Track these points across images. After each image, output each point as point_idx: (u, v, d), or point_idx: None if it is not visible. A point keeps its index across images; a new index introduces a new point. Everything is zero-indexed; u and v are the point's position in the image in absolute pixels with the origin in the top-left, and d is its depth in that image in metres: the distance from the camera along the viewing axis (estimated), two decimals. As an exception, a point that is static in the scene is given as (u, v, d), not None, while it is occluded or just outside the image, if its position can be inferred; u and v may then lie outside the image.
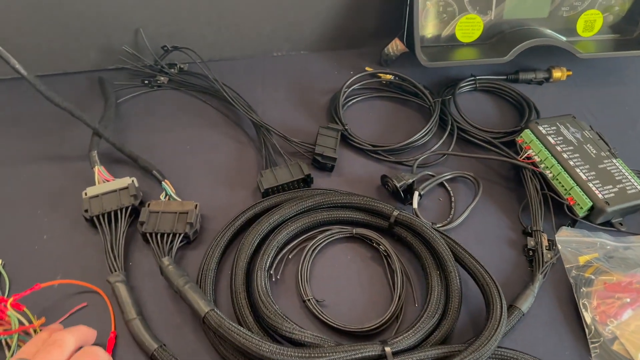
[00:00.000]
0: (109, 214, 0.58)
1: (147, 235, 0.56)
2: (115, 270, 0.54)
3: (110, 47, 0.75)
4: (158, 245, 0.56)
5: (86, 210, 0.57)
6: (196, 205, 0.59)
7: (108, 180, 0.61)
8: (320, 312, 0.53)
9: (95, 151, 0.63)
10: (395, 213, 0.59)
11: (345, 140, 0.71)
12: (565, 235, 0.61)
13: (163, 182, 0.62)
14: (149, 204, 0.59)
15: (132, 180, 0.60)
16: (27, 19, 0.70)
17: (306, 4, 0.79)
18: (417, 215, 0.61)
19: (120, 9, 0.72)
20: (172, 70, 0.77)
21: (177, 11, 0.74)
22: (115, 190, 0.59)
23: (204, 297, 0.51)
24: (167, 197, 0.61)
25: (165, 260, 0.54)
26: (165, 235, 0.56)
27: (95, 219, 0.57)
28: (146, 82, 0.76)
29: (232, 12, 0.77)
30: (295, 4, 0.78)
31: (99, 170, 0.61)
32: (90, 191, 0.59)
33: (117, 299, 0.52)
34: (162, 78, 0.76)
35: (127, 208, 0.58)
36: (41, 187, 0.63)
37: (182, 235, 0.57)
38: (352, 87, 0.77)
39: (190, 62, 0.77)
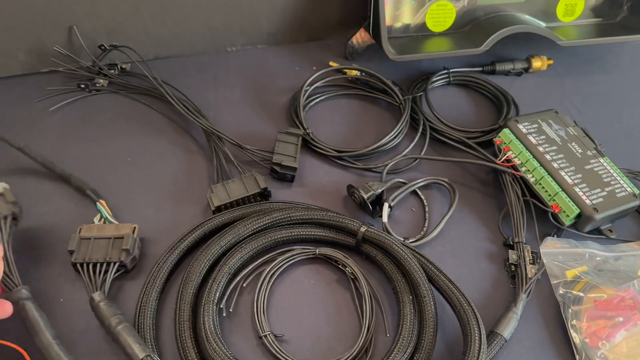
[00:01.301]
0: None
1: (78, 265, 0.49)
2: (16, 286, 0.46)
3: (41, 48, 0.67)
4: (90, 277, 0.49)
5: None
6: (134, 227, 0.52)
7: None
8: (278, 349, 0.47)
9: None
10: (363, 229, 0.52)
11: (307, 145, 0.64)
12: (550, 247, 0.56)
13: (97, 203, 0.55)
14: (80, 229, 0.52)
15: (3, 188, 0.51)
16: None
17: (261, -9, 0.71)
18: (388, 230, 0.55)
19: (51, 4, 0.64)
20: (112, 71, 0.69)
21: (115, 5, 0.66)
22: None
23: (139, 341, 0.44)
24: (103, 219, 0.54)
25: (96, 296, 0.47)
26: (98, 264, 0.49)
27: None
28: (82, 85, 0.68)
29: (178, 4, 0.69)
30: (250, -8, 0.71)
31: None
32: None
33: (27, 321, 0.44)
34: (101, 81, 0.68)
35: (5, 217, 0.49)
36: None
37: (117, 264, 0.50)
38: (315, 85, 0.70)
39: (132, 61, 0.69)
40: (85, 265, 0.49)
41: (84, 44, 0.67)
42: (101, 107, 0.67)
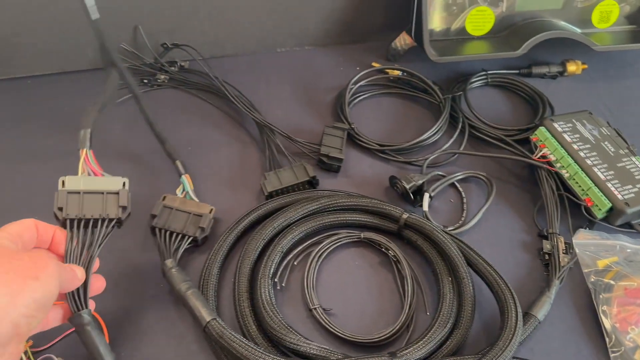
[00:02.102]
0: (87, 221, 0.45)
1: (156, 230, 0.54)
2: (81, 308, 0.42)
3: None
4: (165, 243, 0.53)
5: (60, 209, 0.44)
6: (212, 209, 0.57)
7: (96, 174, 0.48)
8: (327, 321, 0.51)
9: (89, 130, 0.49)
10: (405, 216, 0.56)
11: (352, 139, 0.68)
12: (582, 238, 0.59)
13: (183, 176, 0.60)
14: (164, 197, 0.56)
15: (124, 184, 0.48)
16: (22, 18, 0.67)
17: (310, -3, 0.76)
18: (428, 218, 0.59)
19: (118, 5, 0.70)
20: (173, 68, 0.75)
21: (177, 7, 0.72)
22: (102, 192, 0.46)
23: (207, 305, 0.49)
24: (184, 193, 0.59)
25: (169, 263, 0.51)
26: (175, 234, 0.54)
27: (69, 222, 0.44)
28: (145, 81, 0.73)
29: (233, 7, 0.74)
30: (298, -2, 0.76)
31: (86, 156, 0.47)
32: (70, 182, 0.46)
33: (87, 345, 0.43)
34: (162, 76, 0.74)
35: (110, 220, 0.46)
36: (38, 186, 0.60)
37: (190, 238, 0.54)
38: (359, 84, 0.74)
39: (191, 59, 0.75)
40: (163, 231, 0.54)
41: (148, 42, 0.73)
42: (162, 101, 0.72)
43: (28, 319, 0.34)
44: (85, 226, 0.44)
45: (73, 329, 0.43)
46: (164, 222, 0.55)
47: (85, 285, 0.42)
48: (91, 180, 0.47)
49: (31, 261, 0.36)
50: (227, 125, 0.70)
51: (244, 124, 0.70)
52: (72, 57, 0.74)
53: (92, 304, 0.43)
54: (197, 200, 0.58)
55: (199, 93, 0.73)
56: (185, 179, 0.60)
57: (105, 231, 0.45)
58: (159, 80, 0.74)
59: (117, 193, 0.46)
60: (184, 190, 0.59)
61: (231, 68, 0.77)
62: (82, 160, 0.47)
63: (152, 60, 0.74)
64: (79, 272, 0.42)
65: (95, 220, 0.45)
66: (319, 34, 0.81)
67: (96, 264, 0.45)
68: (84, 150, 0.48)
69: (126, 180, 0.48)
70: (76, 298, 0.42)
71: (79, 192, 0.45)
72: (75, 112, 0.56)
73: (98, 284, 0.45)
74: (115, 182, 0.47)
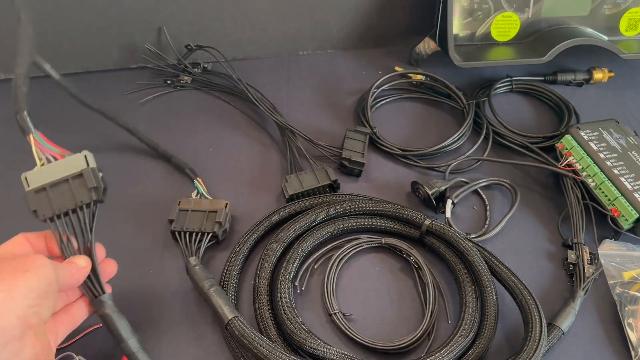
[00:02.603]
0: (65, 213, 0.42)
1: (176, 233, 0.55)
2: (98, 294, 0.43)
3: (132, 46, 0.74)
4: (186, 244, 0.54)
5: (35, 211, 0.42)
6: (226, 204, 0.57)
7: (56, 157, 0.43)
8: (347, 327, 0.51)
9: (25, 111, 0.42)
10: (427, 222, 0.56)
11: (374, 143, 0.68)
12: (608, 249, 0.58)
13: (195, 180, 0.61)
14: (179, 202, 0.57)
15: (86, 159, 0.43)
16: (48, 17, 0.68)
17: (333, 1, 0.76)
18: (450, 225, 0.58)
19: (144, 6, 0.70)
20: (196, 69, 0.75)
21: (201, 9, 0.72)
22: (67, 180, 0.42)
23: (229, 303, 0.49)
24: (199, 195, 0.59)
25: (192, 260, 0.52)
26: (194, 234, 0.55)
27: (49, 220, 0.42)
28: (169, 82, 0.74)
29: (257, 10, 0.74)
30: (322, 1, 0.76)
31: (36, 141, 0.42)
32: (33, 178, 0.42)
33: (111, 330, 0.43)
34: (185, 78, 0.74)
35: (87, 205, 0.43)
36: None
37: (210, 234, 0.55)
38: (381, 88, 0.74)
39: (214, 61, 0.75)
40: (182, 233, 0.55)
41: (172, 43, 0.73)
42: (185, 102, 0.72)
43: (33, 308, 0.35)
44: (67, 218, 0.42)
45: (92, 327, 0.43)
46: (181, 224, 0.55)
47: (95, 271, 0.43)
48: (52, 169, 0.42)
49: (18, 260, 0.37)
50: (248, 127, 0.70)
51: (266, 127, 0.70)
52: (96, 57, 0.74)
53: (108, 288, 0.44)
54: (210, 198, 0.59)
55: (221, 95, 0.74)
56: (198, 183, 0.60)
57: (88, 216, 0.42)
58: (182, 82, 0.74)
59: (82, 174, 0.42)
60: (198, 193, 0.60)
61: (253, 70, 0.77)
62: (33, 147, 0.42)
63: (176, 62, 0.75)
64: (82, 261, 0.42)
65: (74, 210, 0.42)
66: (341, 38, 0.81)
67: (101, 249, 0.44)
68: (31, 135, 0.42)
69: (87, 153, 0.43)
70: (90, 286, 0.43)
71: (44, 189, 0.42)
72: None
73: (109, 269, 0.45)
74: (76, 162, 0.43)
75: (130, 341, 0.43)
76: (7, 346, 0.33)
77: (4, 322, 0.33)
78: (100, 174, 0.43)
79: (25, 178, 0.42)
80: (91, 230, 0.43)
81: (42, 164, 0.42)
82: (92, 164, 0.43)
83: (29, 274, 0.36)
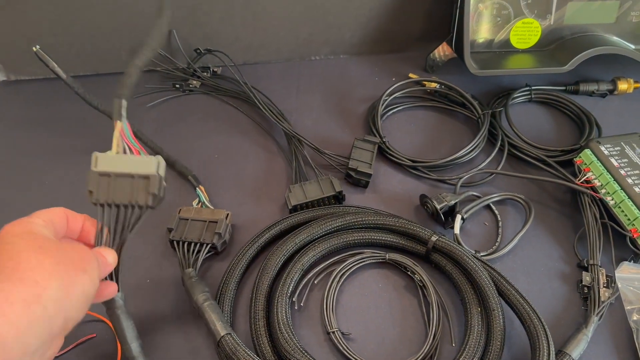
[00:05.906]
0: (117, 205, 0.41)
1: (174, 242, 0.54)
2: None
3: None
4: (184, 254, 0.53)
5: (90, 192, 0.41)
6: (227, 214, 0.56)
7: (133, 150, 0.43)
8: (345, 346, 0.49)
9: (125, 100, 0.43)
10: (434, 238, 0.53)
11: (383, 153, 0.66)
12: (626, 272, 0.55)
13: (197, 188, 0.60)
14: (179, 210, 0.56)
15: (159, 166, 0.42)
16: (58, 20, 0.68)
17: (347, 5, 0.74)
18: (459, 242, 0.56)
19: (153, 9, 0.69)
20: (205, 73, 0.74)
21: (212, 12, 0.71)
22: (132, 176, 0.41)
23: (222, 319, 0.48)
24: (200, 203, 0.58)
25: (189, 272, 0.51)
26: (192, 244, 0.54)
27: (99, 205, 0.41)
28: (177, 86, 0.73)
29: (268, 14, 0.73)
30: (335, 5, 0.74)
31: (122, 129, 0.42)
32: (103, 161, 0.41)
33: (116, 329, 0.44)
34: (194, 82, 0.73)
35: (140, 207, 0.42)
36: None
37: (208, 245, 0.54)
38: (394, 95, 0.72)
39: (224, 65, 0.74)
40: (181, 243, 0.54)
41: (181, 47, 0.72)
42: (193, 107, 0.72)
43: (77, 313, 0.34)
44: (116, 210, 0.41)
45: (88, 337, 0.44)
46: (180, 233, 0.54)
47: (116, 269, 0.42)
48: (123, 160, 0.41)
49: (77, 253, 0.36)
50: (255, 133, 0.69)
51: (273, 133, 0.69)
52: (106, 60, 0.74)
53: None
54: (212, 208, 0.58)
55: (230, 100, 0.72)
56: (200, 191, 0.59)
57: (135, 217, 0.42)
58: (190, 86, 0.73)
59: (148, 178, 0.41)
60: (199, 201, 0.58)
61: (264, 75, 0.76)
62: (117, 133, 0.41)
63: (185, 66, 0.74)
64: (110, 257, 0.41)
65: (125, 206, 0.41)
66: (355, 43, 0.79)
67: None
68: (119, 122, 0.42)
69: (160, 160, 0.42)
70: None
71: (109, 175, 0.41)
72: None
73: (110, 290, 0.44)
74: (148, 164, 0.41)
75: (133, 345, 0.43)
76: (43, 346, 0.32)
77: (53, 323, 0.32)
78: (164, 184, 0.43)
79: (96, 158, 0.41)
80: (131, 230, 0.42)
81: (117, 152, 0.42)
82: (162, 172, 0.42)
83: (86, 275, 0.35)
